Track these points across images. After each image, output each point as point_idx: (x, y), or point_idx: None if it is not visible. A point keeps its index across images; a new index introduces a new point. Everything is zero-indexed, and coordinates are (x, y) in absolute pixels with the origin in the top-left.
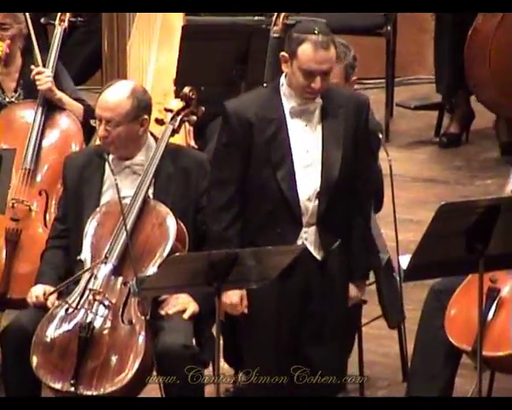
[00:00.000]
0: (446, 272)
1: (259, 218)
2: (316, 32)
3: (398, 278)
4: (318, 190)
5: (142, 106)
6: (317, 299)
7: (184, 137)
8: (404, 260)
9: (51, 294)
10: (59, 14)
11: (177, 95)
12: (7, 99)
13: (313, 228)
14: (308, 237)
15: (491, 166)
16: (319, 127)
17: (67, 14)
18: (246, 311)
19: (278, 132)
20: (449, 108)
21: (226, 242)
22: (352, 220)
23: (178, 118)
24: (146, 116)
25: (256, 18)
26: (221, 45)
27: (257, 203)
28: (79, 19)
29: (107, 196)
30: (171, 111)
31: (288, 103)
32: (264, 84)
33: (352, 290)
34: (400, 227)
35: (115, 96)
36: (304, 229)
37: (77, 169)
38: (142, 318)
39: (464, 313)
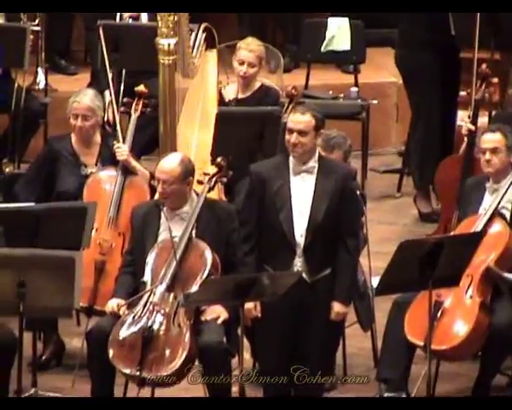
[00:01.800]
0: (405, 289)
1: (268, 247)
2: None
3: (370, 294)
4: (305, 229)
5: (188, 171)
6: (307, 310)
7: (218, 193)
8: (375, 281)
9: (123, 305)
10: (134, 104)
11: (213, 163)
12: (89, 171)
13: (303, 257)
14: (300, 264)
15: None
16: (313, 185)
17: (140, 105)
18: (259, 315)
19: (282, 186)
20: (407, 172)
21: (246, 265)
22: (340, 256)
23: (213, 179)
24: (191, 178)
25: (269, 108)
26: (244, 128)
27: (266, 237)
28: (148, 109)
29: (163, 235)
30: (208, 175)
31: (293, 165)
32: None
33: (336, 306)
34: (372, 257)
35: (169, 164)
36: (297, 258)
37: (141, 216)
38: (188, 322)
39: (418, 319)
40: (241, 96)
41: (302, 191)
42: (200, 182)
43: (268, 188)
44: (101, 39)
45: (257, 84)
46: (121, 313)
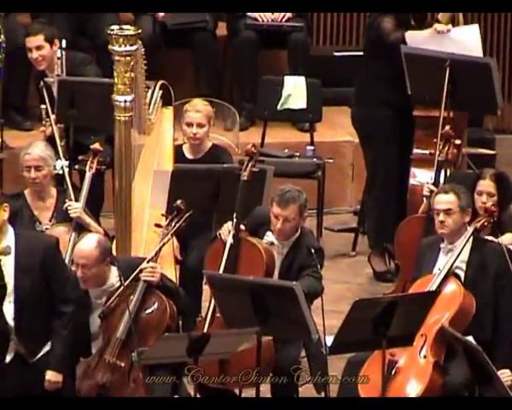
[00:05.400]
0: (359, 348)
1: None
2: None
3: (324, 352)
4: None
5: (106, 252)
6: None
7: (172, 250)
8: (329, 340)
9: None
10: (89, 162)
11: (167, 217)
12: (43, 227)
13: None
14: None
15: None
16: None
17: (95, 162)
18: None
19: None
20: (362, 231)
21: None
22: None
23: (173, 223)
24: (109, 259)
25: (225, 165)
26: (199, 185)
27: None
28: (103, 167)
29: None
30: (160, 226)
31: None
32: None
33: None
34: (327, 316)
35: (86, 248)
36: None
37: None
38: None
39: (372, 378)
40: (192, 157)
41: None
42: (158, 225)
43: None
44: (45, 96)
45: (208, 145)
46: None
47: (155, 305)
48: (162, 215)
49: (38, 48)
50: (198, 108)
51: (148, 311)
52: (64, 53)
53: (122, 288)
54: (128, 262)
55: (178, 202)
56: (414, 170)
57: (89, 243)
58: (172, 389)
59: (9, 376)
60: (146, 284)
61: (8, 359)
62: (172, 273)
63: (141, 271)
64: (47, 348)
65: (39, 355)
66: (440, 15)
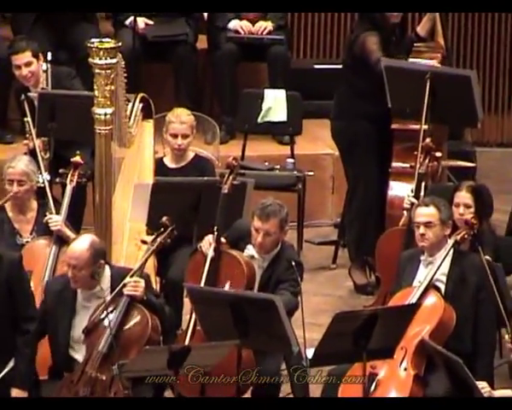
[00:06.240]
0: (340, 361)
1: None
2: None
3: (305, 365)
4: None
5: (98, 254)
6: None
7: (153, 266)
8: (310, 352)
9: None
10: (69, 175)
11: (148, 233)
12: (24, 240)
13: None
14: None
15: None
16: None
17: (75, 175)
18: None
19: None
20: (342, 243)
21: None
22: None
23: (158, 240)
24: (101, 261)
25: (206, 178)
26: (179, 197)
27: None
28: (84, 180)
29: (81, 320)
30: (145, 242)
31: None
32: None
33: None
34: (307, 328)
35: (78, 249)
36: None
37: (55, 293)
38: (125, 392)
39: (352, 390)
40: (174, 166)
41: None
42: (144, 242)
43: None
44: (27, 111)
45: (190, 154)
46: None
47: (137, 319)
48: (147, 232)
49: (27, 64)
50: (182, 120)
51: (130, 324)
52: (49, 66)
53: (104, 303)
54: (117, 272)
55: (164, 218)
56: (392, 183)
57: (81, 244)
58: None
59: None
60: (129, 298)
61: None
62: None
63: (124, 285)
64: (10, 364)
65: (3, 372)
66: (419, 27)
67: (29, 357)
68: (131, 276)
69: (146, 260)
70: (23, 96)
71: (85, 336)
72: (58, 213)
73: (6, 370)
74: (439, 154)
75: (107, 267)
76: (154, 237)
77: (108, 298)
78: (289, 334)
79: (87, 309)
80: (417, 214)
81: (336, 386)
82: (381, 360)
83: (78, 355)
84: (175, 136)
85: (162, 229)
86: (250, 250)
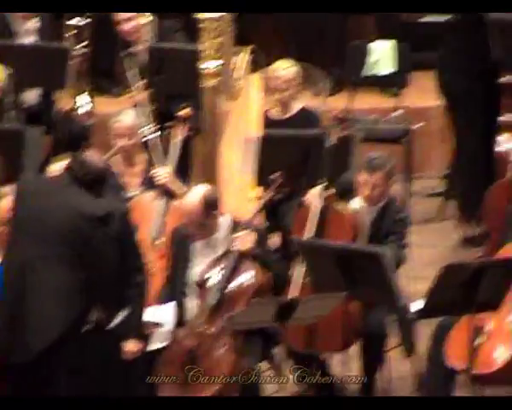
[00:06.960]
0: (448, 313)
1: None
2: None
3: (411, 317)
4: None
5: (210, 206)
6: None
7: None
8: (415, 305)
9: None
10: (178, 128)
11: (259, 184)
12: (132, 193)
13: None
14: None
15: None
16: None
17: (183, 129)
18: None
19: None
20: (451, 194)
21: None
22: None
23: (270, 194)
24: (215, 212)
25: (314, 131)
26: (289, 151)
27: None
28: (192, 132)
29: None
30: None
31: None
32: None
33: None
34: (413, 281)
35: (191, 200)
36: None
37: (181, 238)
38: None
39: (459, 343)
40: (279, 118)
41: None
42: (254, 197)
43: None
44: (129, 65)
45: (296, 106)
46: None
47: (246, 273)
48: (257, 185)
49: (129, 19)
50: (277, 74)
51: (239, 278)
52: (152, 20)
53: (216, 257)
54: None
55: (277, 174)
56: (499, 136)
57: (194, 197)
58: (263, 356)
59: (86, 346)
60: (239, 252)
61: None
62: None
63: (234, 239)
64: (120, 316)
65: (115, 323)
66: None
67: (142, 308)
68: (241, 230)
69: (256, 213)
70: (125, 52)
71: (198, 288)
72: (164, 166)
73: (116, 321)
74: None
75: (223, 217)
76: (267, 192)
77: (219, 252)
78: (395, 287)
79: (203, 257)
80: None
81: (443, 340)
82: (489, 313)
83: (190, 302)
84: (273, 90)
85: (277, 185)
86: (356, 203)
